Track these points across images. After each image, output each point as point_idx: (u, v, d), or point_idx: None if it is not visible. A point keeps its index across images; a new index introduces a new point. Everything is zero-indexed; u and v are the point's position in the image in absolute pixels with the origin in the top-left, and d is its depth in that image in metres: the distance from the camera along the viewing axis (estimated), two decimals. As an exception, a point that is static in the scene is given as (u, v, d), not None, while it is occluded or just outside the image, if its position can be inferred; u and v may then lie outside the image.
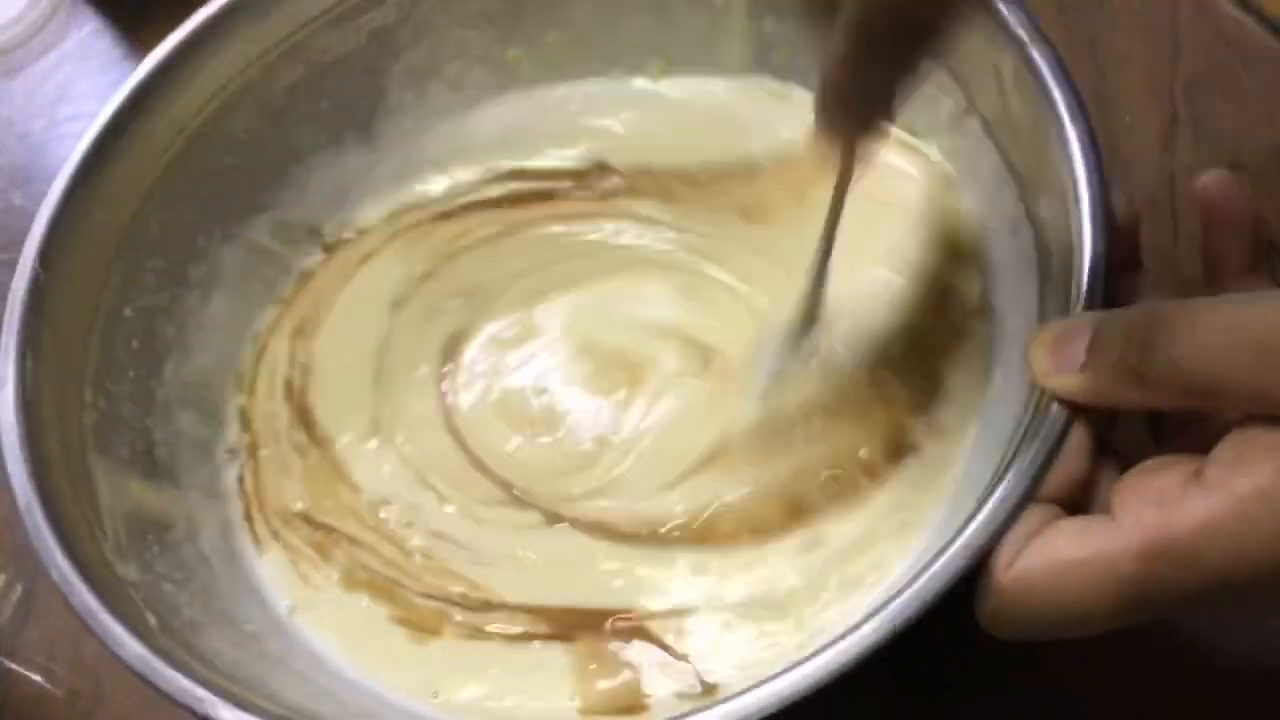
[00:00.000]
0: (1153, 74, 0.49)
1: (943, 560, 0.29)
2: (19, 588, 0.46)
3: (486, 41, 0.48)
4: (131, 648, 0.33)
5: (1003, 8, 0.37)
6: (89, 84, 0.59)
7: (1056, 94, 0.35)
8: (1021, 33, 0.36)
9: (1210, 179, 0.34)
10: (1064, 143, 0.34)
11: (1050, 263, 0.35)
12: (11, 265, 0.39)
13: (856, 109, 0.31)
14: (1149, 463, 0.30)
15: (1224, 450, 0.27)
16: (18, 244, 0.40)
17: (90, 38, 0.61)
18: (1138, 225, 0.34)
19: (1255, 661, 0.35)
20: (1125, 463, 0.31)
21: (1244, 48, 0.48)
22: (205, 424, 0.44)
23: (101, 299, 0.41)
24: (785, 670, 0.29)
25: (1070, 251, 0.33)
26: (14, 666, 0.45)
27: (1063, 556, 0.28)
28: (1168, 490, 0.27)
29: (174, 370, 0.44)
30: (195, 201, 0.45)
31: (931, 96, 0.42)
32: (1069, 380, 0.30)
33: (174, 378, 0.44)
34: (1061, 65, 0.35)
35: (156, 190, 0.43)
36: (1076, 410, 0.30)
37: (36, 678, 0.44)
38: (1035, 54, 0.36)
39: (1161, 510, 0.27)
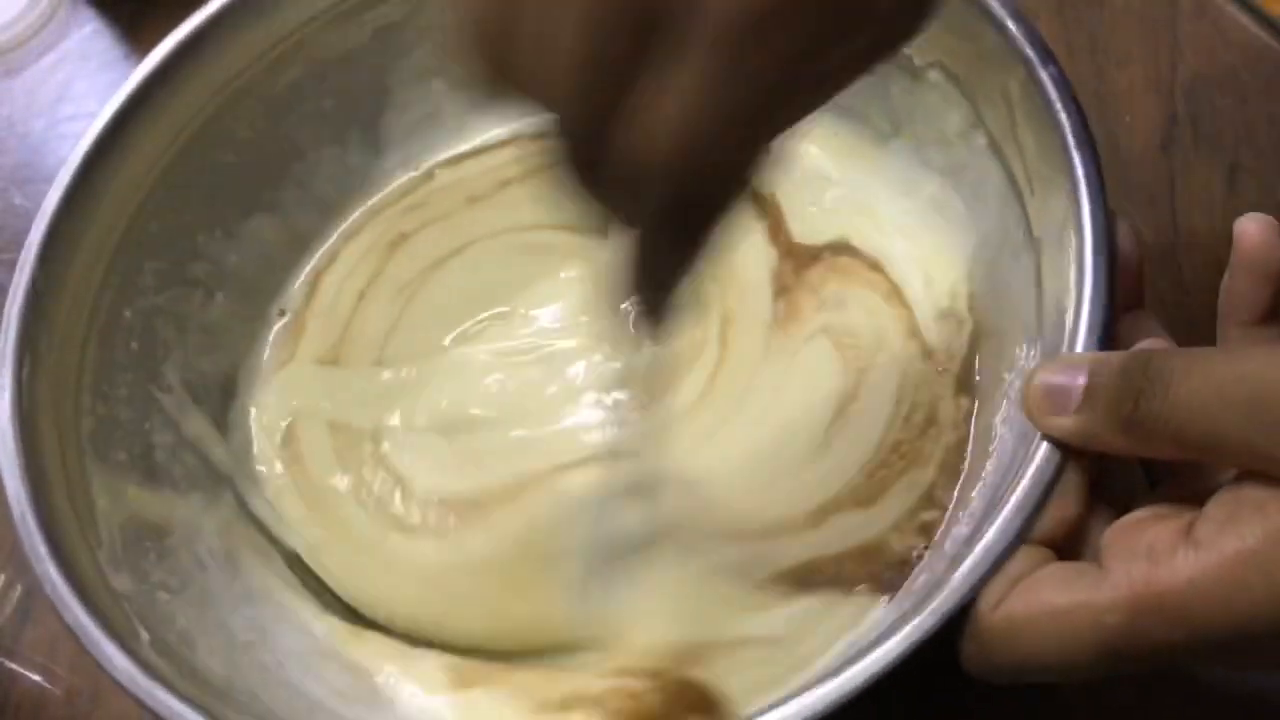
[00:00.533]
0: (1153, 74, 0.48)
1: (938, 599, 0.29)
2: (19, 588, 0.46)
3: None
4: (122, 665, 0.32)
5: (1012, 26, 0.36)
6: (89, 84, 0.59)
7: (1063, 118, 0.34)
8: (1030, 52, 0.36)
9: (1250, 221, 0.33)
10: (1069, 171, 0.34)
11: (1051, 290, 0.35)
12: (12, 265, 0.39)
13: (657, 291, 0.29)
14: (1141, 513, 0.30)
15: (1215, 507, 0.27)
16: (18, 244, 0.40)
17: (90, 38, 0.61)
18: (1143, 262, 0.34)
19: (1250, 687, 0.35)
20: (1119, 505, 0.31)
21: (1244, 48, 0.48)
22: (206, 426, 0.44)
23: (100, 300, 0.41)
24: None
25: (1071, 282, 0.33)
26: (14, 666, 0.45)
27: (1048, 603, 0.28)
28: (1157, 545, 0.27)
29: (174, 372, 0.43)
30: (196, 200, 0.44)
31: (939, 110, 0.41)
32: (1062, 423, 0.30)
33: (174, 380, 0.43)
34: (1069, 88, 0.35)
35: (157, 189, 0.43)
36: (1069, 452, 0.30)
37: (36, 678, 0.44)
38: (1044, 75, 0.35)
39: (1150, 565, 0.27)
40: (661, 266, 0.28)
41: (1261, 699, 0.36)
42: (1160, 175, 0.46)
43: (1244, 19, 0.48)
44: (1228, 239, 0.35)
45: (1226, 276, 0.34)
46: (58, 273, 0.39)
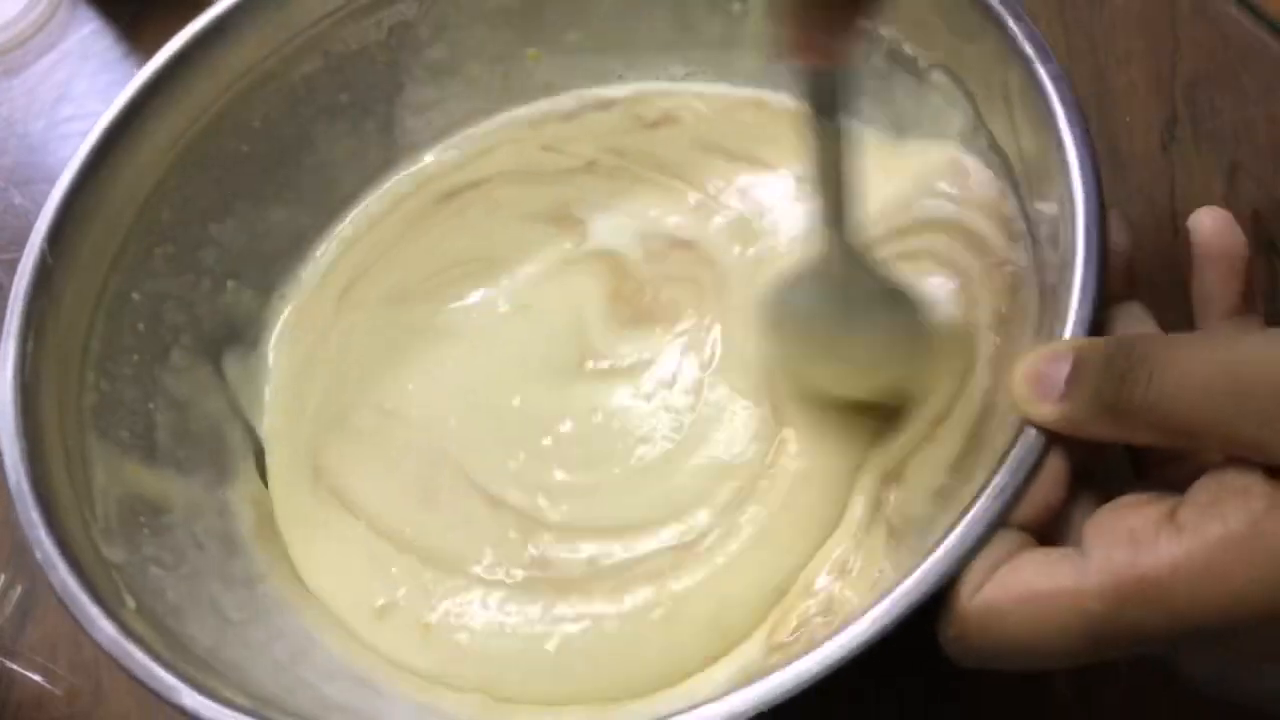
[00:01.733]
0: (1153, 74, 0.48)
1: (911, 580, 0.29)
2: (19, 588, 0.46)
3: (505, 39, 0.48)
4: (105, 629, 0.33)
5: (1013, 25, 0.36)
6: (89, 84, 0.59)
7: (1060, 114, 0.34)
8: (1029, 49, 0.35)
9: (1204, 216, 0.33)
10: (1064, 165, 0.34)
11: (1047, 280, 0.35)
12: (11, 265, 0.39)
13: (824, 31, 0.30)
14: (1124, 499, 0.29)
15: (1198, 492, 0.27)
16: (18, 244, 0.40)
17: (90, 38, 0.61)
18: (1134, 253, 0.34)
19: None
20: (1104, 493, 0.30)
21: (1244, 48, 0.48)
22: (212, 411, 0.44)
23: (109, 281, 0.41)
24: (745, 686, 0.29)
25: (1062, 274, 0.32)
26: (14, 666, 0.45)
27: (1030, 588, 0.28)
28: (1140, 530, 0.27)
29: (183, 356, 0.44)
30: (208, 188, 0.45)
31: (943, 110, 0.41)
32: (1046, 409, 0.30)
33: (182, 363, 0.43)
34: (1067, 85, 0.35)
35: (170, 175, 0.43)
36: (1053, 438, 0.30)
37: (36, 678, 0.44)
38: (1041, 72, 0.35)
39: (1133, 550, 0.26)
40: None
41: (1250, 701, 0.36)
42: (1160, 175, 0.46)
43: (1244, 19, 0.48)
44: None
45: (1194, 278, 0.33)
46: (68, 250, 0.39)
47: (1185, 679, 0.31)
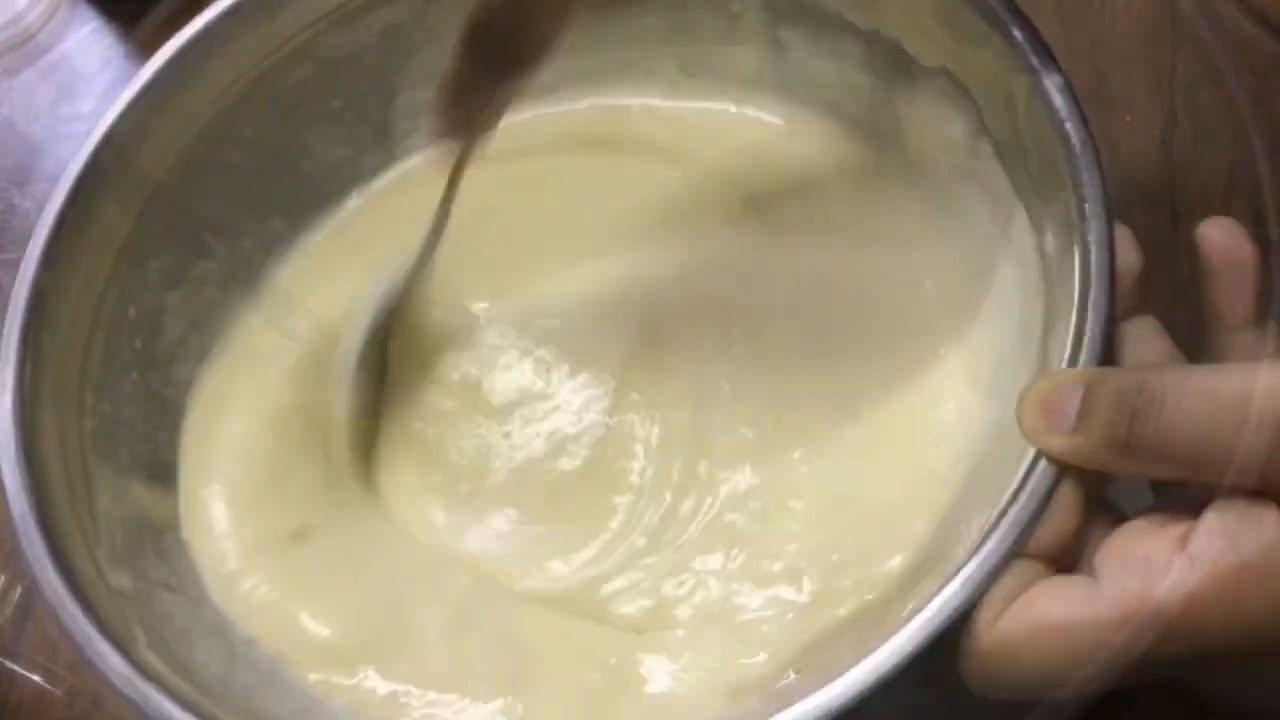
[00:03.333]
0: (1153, 74, 0.48)
1: (926, 613, 0.29)
2: (19, 588, 0.46)
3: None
4: (116, 665, 0.32)
5: (1017, 33, 0.35)
6: (89, 84, 0.59)
7: (1069, 128, 0.34)
8: (1034, 60, 0.35)
9: (1211, 228, 0.33)
10: (1074, 180, 0.33)
11: (1055, 296, 0.34)
12: (11, 265, 0.39)
13: (465, 111, 0.36)
14: (1136, 523, 0.29)
15: (1211, 519, 0.27)
16: (17, 244, 0.40)
17: (90, 38, 0.61)
18: (1146, 271, 0.33)
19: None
20: (1117, 515, 0.30)
21: (1244, 48, 0.48)
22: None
23: (105, 299, 0.41)
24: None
25: (1073, 290, 0.32)
26: (14, 667, 0.44)
27: (1045, 619, 0.28)
28: (1153, 557, 0.27)
29: (181, 371, 0.43)
30: (203, 199, 0.44)
31: (945, 114, 0.41)
32: (1058, 441, 0.29)
33: (180, 379, 0.43)
34: (1074, 96, 0.34)
35: (163, 188, 0.42)
36: (1065, 468, 0.30)
37: (36, 678, 0.44)
38: (1048, 83, 0.34)
39: (1146, 579, 0.26)
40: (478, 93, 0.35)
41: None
42: (1160, 175, 0.46)
43: (1244, 19, 0.48)
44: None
45: (1205, 289, 0.33)
46: (62, 271, 0.39)
47: (1194, 691, 0.31)
